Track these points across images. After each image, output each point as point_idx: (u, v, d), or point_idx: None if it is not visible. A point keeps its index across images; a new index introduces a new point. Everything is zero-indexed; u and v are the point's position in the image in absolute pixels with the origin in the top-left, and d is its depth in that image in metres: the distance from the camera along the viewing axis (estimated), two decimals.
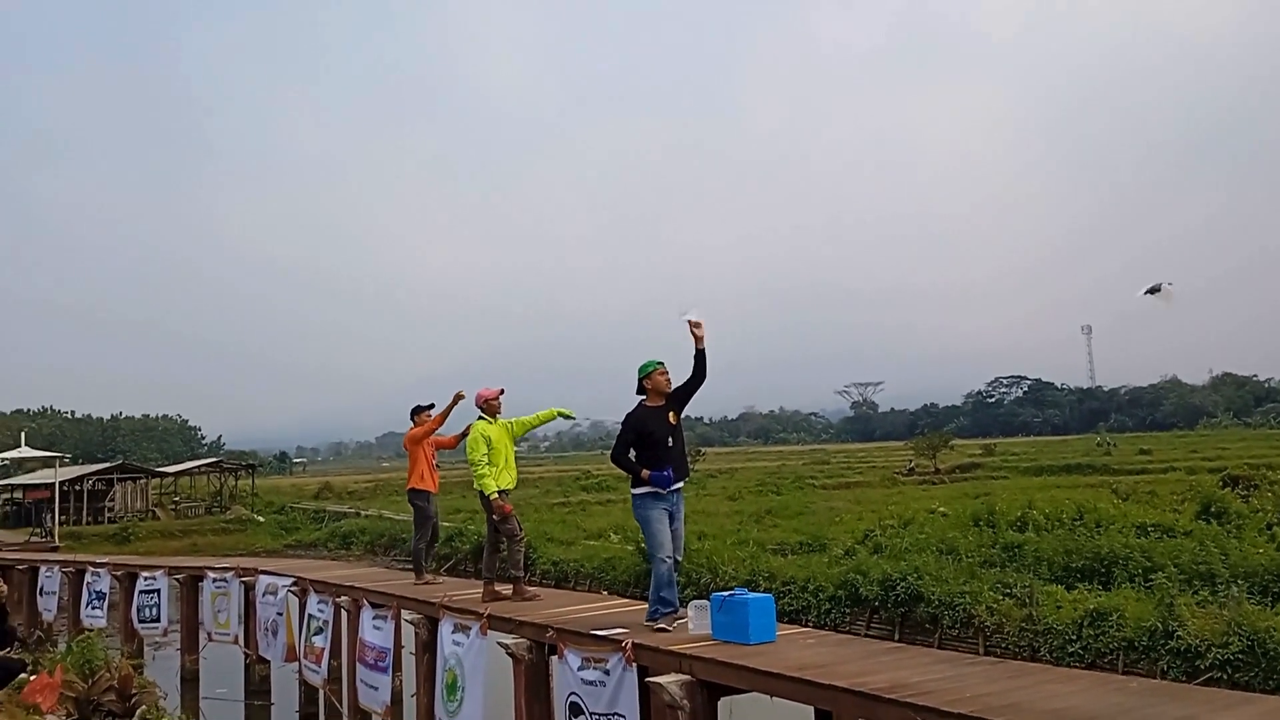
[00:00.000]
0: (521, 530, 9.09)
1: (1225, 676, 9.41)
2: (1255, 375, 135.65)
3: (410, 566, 11.92)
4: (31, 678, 9.53)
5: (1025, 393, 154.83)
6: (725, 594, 6.57)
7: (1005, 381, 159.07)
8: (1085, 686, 4.90)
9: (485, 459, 8.86)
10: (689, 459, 7.28)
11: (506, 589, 9.10)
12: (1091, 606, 11.34)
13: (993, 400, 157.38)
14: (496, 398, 9.25)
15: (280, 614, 12.33)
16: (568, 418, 9.44)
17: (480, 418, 9.16)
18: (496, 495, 8.76)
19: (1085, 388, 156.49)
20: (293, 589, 12.15)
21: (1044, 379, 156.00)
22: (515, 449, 9.38)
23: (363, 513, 35.68)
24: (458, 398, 10.07)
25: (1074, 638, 11.16)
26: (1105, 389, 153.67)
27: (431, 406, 10.59)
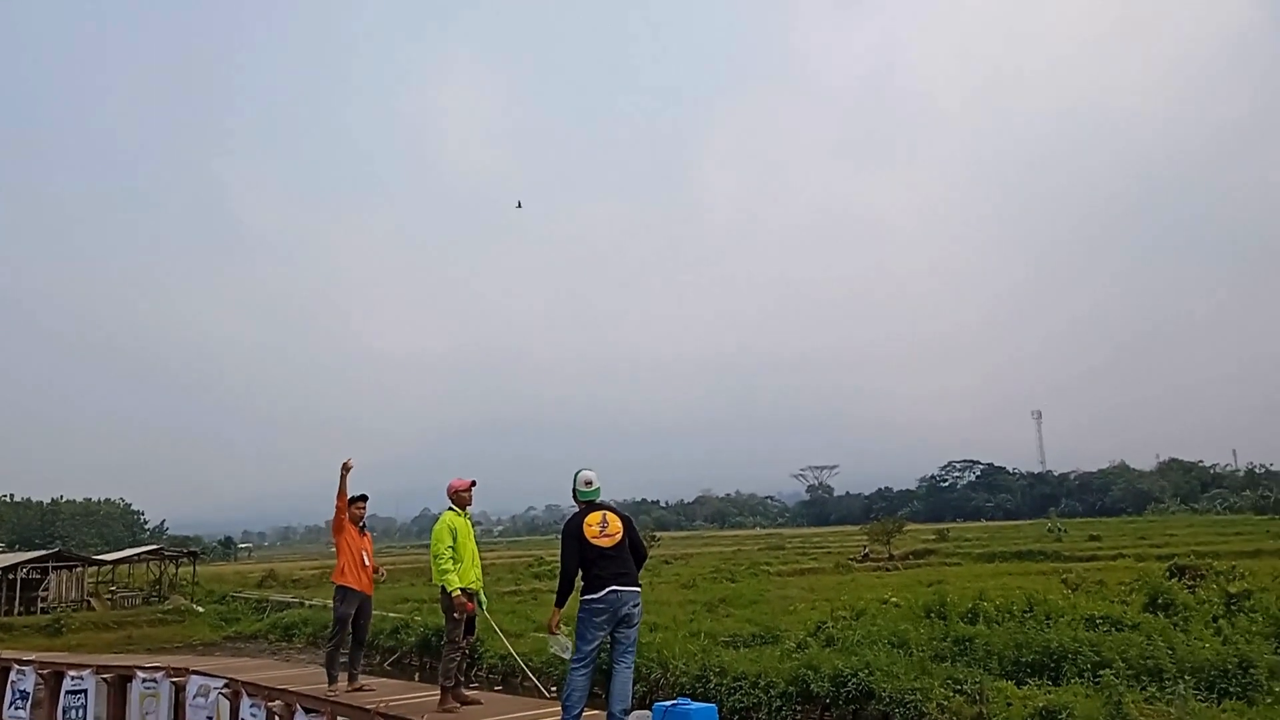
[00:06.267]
0: (464, 640, 8.68)
1: None
2: (1201, 461, 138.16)
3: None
4: None
5: (978, 477, 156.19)
6: (667, 704, 6.39)
7: (958, 465, 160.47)
8: None
9: (450, 552, 8.49)
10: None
11: (473, 694, 8.77)
12: (1041, 704, 11.26)
13: (946, 484, 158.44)
14: (468, 489, 8.79)
15: (211, 717, 11.84)
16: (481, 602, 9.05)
17: (450, 509, 8.81)
18: (459, 592, 8.42)
19: (1036, 472, 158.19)
20: (224, 691, 11.69)
21: (996, 463, 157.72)
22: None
23: (307, 603, 34.72)
24: (345, 468, 9.50)
25: None
26: (1055, 474, 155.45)
27: (364, 497, 10.17)
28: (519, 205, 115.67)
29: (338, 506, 9.76)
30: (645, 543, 7.58)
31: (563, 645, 7.11)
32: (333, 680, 9.83)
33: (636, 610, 6.91)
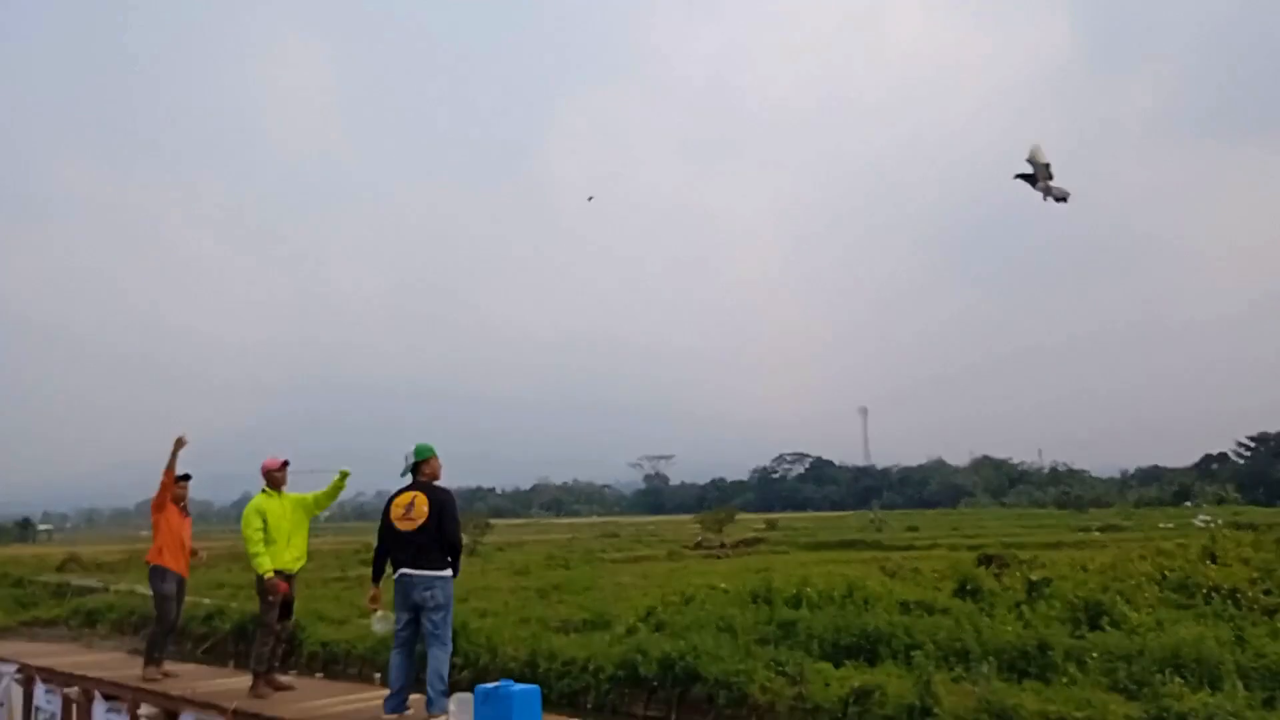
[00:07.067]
0: (278, 625, 8.35)
1: None
2: (1010, 458, 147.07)
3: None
4: None
5: (807, 469, 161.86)
6: (490, 686, 6.31)
7: (788, 458, 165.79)
8: None
9: (260, 534, 8.20)
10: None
11: (287, 679, 8.44)
12: (857, 684, 11.67)
13: (777, 476, 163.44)
14: (280, 469, 8.51)
15: (1, 704, 11.04)
16: (346, 475, 8.75)
17: (263, 490, 8.50)
18: (271, 574, 8.13)
19: (861, 466, 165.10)
20: (16, 677, 10.90)
21: (824, 456, 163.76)
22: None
23: (112, 587, 32.71)
24: (178, 444, 9.13)
25: (840, 715, 11.43)
26: (878, 467, 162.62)
27: (188, 477, 9.70)
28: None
29: (163, 483, 9.30)
30: (462, 528, 7.47)
31: (381, 622, 7.05)
32: (153, 663, 9.37)
33: (429, 595, 6.86)
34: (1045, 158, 9.46)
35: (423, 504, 6.95)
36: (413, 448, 7.16)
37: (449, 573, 6.92)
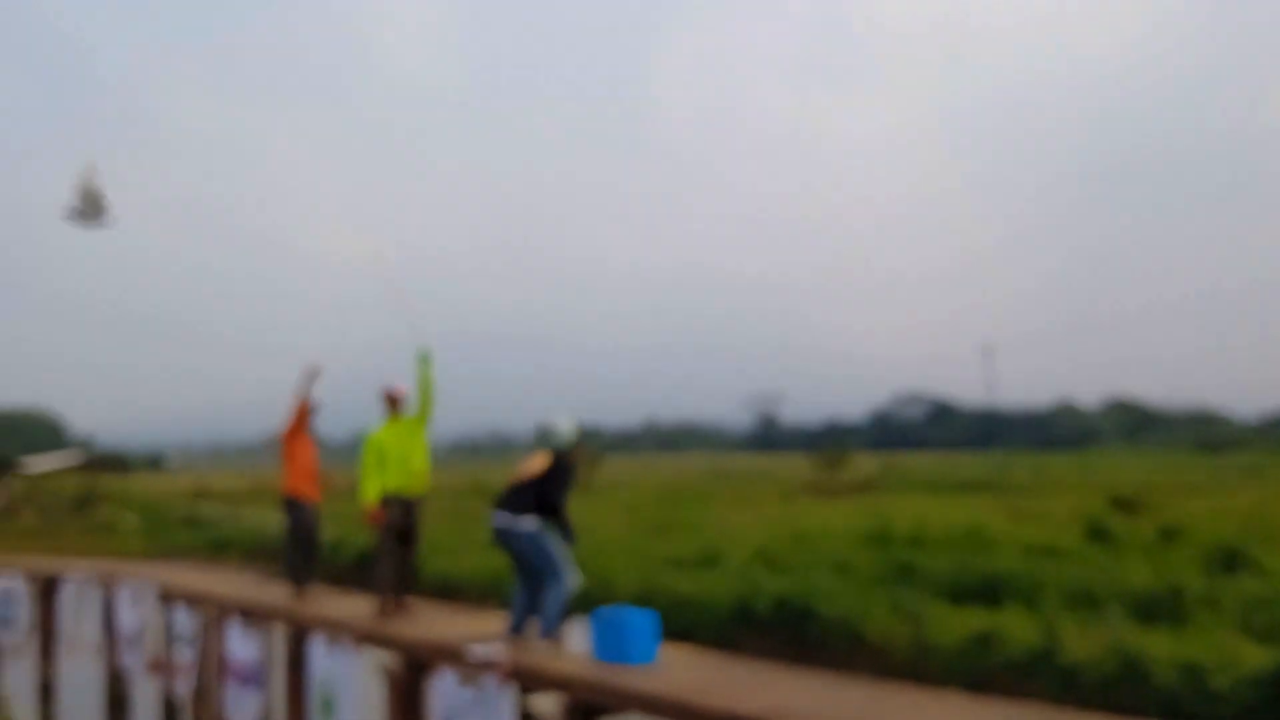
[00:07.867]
0: (398, 551, 8.50)
1: (1103, 697, 9.52)
2: (1144, 398, 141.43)
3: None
4: None
5: (927, 410, 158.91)
6: (608, 609, 6.35)
7: (907, 398, 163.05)
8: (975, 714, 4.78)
9: (368, 464, 8.34)
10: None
11: (410, 604, 8.66)
12: (978, 627, 11.40)
13: (894, 416, 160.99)
14: (391, 395, 8.58)
15: (143, 623, 11.67)
16: (425, 356, 8.44)
17: (390, 417, 8.54)
18: (372, 504, 8.27)
19: (984, 406, 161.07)
20: (156, 596, 11.50)
21: (944, 396, 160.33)
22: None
23: (241, 518, 34.38)
24: (312, 372, 9.30)
25: (960, 658, 11.20)
26: (1003, 409, 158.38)
27: (316, 407, 9.93)
28: None
29: (297, 412, 9.53)
30: (569, 476, 7.41)
31: None
32: (297, 589, 9.74)
33: (511, 538, 7.03)
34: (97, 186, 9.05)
35: (544, 461, 7.17)
36: (552, 425, 7.30)
37: (530, 525, 6.90)
